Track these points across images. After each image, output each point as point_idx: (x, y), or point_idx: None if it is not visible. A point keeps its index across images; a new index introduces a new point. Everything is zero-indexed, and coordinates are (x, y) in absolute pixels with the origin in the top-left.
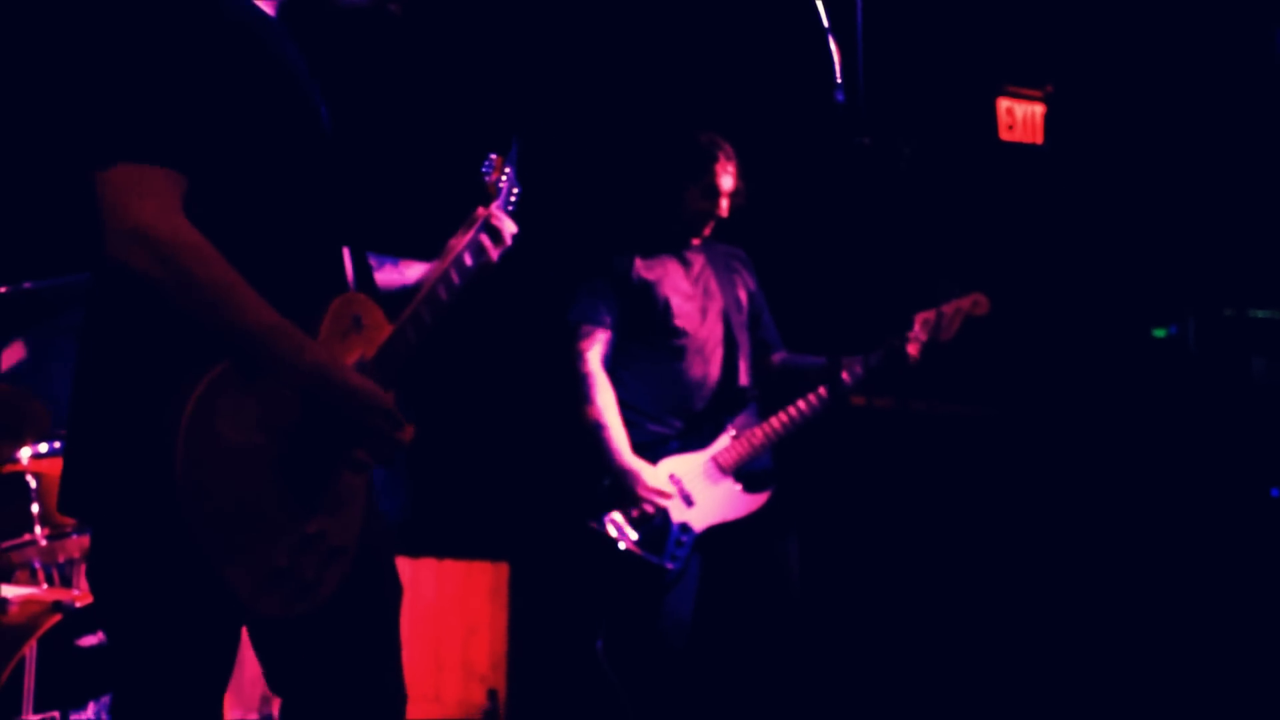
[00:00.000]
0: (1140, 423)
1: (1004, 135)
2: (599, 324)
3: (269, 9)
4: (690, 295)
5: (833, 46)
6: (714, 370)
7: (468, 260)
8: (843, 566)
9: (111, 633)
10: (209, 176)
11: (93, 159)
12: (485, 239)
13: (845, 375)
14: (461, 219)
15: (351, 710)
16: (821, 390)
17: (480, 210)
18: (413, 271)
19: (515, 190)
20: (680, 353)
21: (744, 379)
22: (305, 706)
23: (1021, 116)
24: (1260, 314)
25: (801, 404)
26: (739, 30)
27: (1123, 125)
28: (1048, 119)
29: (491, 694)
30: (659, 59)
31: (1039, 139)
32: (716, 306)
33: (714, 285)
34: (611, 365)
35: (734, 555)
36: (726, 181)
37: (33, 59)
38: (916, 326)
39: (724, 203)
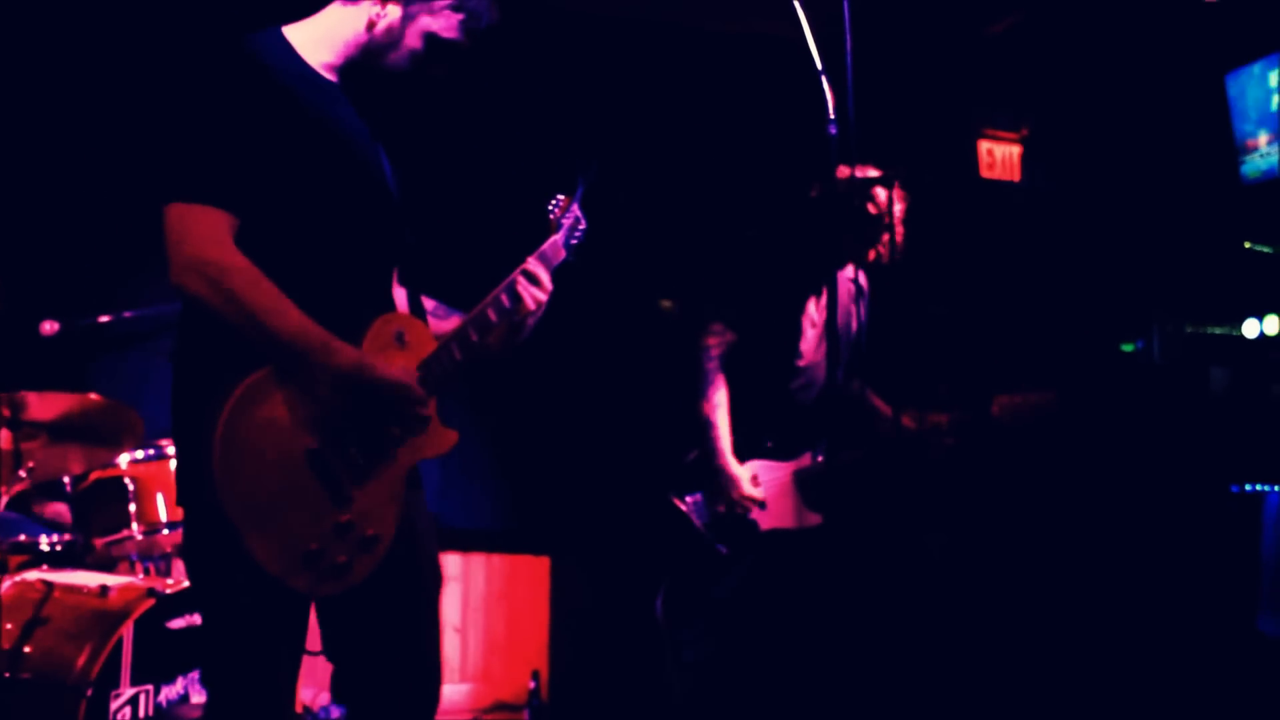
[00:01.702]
0: (1112, 426)
1: (984, 173)
2: (730, 325)
3: (330, 75)
4: (815, 322)
5: (826, 89)
6: (816, 393)
7: (505, 301)
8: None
9: (196, 605)
10: (256, 217)
11: (157, 199)
12: (522, 282)
13: (909, 423)
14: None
15: (387, 677)
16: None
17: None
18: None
19: (580, 227)
20: (794, 374)
21: (835, 404)
22: (350, 672)
23: (1000, 157)
24: (1216, 330)
25: (873, 443)
26: (741, 72)
27: (1093, 165)
28: (1024, 158)
29: (535, 674)
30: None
31: (1016, 177)
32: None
33: (838, 313)
34: (730, 368)
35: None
36: (894, 232)
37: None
38: (994, 408)
39: (883, 251)
